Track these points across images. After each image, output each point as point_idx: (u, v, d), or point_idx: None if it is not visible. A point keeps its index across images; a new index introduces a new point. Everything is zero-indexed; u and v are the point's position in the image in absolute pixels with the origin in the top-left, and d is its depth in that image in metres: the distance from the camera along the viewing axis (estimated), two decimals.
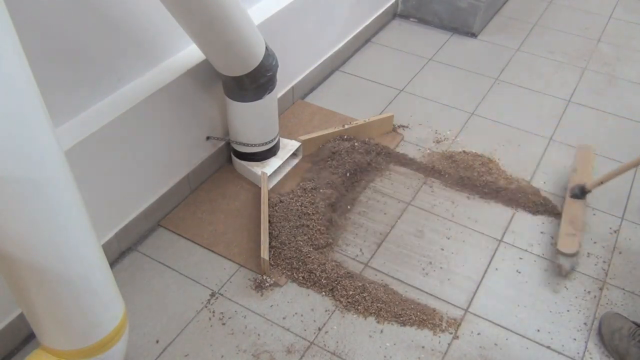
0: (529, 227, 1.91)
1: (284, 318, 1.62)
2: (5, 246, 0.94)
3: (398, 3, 2.99)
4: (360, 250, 1.82)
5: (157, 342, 1.56)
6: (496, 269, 1.77)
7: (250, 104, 1.79)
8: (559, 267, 1.73)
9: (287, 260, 1.74)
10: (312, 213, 1.85)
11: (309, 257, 1.73)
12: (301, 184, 1.98)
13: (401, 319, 1.62)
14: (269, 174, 1.95)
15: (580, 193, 1.88)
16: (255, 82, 1.73)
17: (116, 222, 1.72)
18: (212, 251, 1.79)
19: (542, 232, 1.89)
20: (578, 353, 1.57)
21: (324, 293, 1.68)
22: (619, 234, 1.90)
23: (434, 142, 2.23)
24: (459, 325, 1.62)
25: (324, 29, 2.44)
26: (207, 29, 1.49)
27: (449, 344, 1.57)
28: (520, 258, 1.81)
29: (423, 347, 1.56)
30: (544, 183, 2.06)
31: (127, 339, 1.24)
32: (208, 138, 1.95)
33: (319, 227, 1.82)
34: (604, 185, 1.83)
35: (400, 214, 1.93)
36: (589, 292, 1.72)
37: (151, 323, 1.60)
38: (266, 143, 1.94)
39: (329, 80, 2.57)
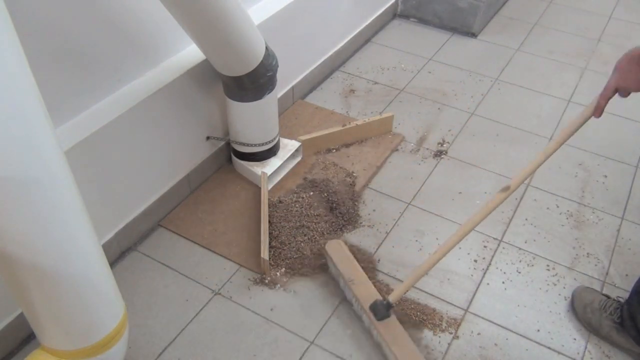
0: (529, 226, 1.91)
1: (284, 318, 1.62)
2: (5, 246, 0.94)
3: (398, 3, 2.99)
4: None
5: (157, 342, 1.56)
6: (496, 269, 1.77)
7: (250, 104, 1.79)
8: None
9: (287, 260, 1.74)
10: (313, 214, 1.85)
11: (309, 257, 1.73)
12: (301, 185, 1.98)
13: (401, 319, 1.61)
14: (269, 174, 1.95)
15: (387, 310, 1.45)
16: (255, 82, 1.73)
17: (116, 222, 1.72)
18: (212, 251, 1.79)
19: (540, 232, 1.89)
20: (578, 353, 1.57)
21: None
22: (619, 234, 1.90)
23: (434, 142, 2.23)
24: (459, 325, 1.62)
25: (324, 29, 2.44)
26: (207, 29, 1.49)
27: (449, 344, 1.57)
28: (520, 258, 1.81)
29: (423, 347, 1.56)
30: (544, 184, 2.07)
31: (127, 339, 1.24)
32: (208, 138, 1.95)
33: (319, 228, 1.81)
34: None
35: (400, 214, 1.93)
36: None
37: (151, 323, 1.60)
38: (266, 143, 1.93)
39: (329, 80, 2.57)
